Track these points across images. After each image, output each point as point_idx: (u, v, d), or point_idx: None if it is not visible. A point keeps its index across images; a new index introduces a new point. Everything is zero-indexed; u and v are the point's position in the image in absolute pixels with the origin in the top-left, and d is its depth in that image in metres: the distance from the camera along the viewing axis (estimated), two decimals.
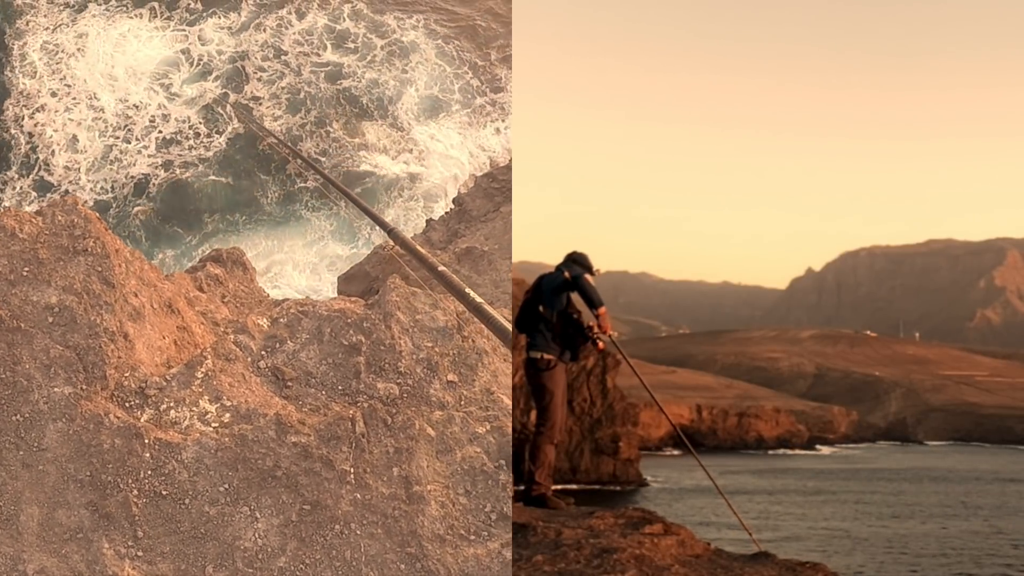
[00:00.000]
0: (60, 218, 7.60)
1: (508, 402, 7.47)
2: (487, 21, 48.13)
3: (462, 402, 7.48)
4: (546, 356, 10.03)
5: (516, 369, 12.38)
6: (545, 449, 10.00)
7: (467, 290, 6.15)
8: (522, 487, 9.87)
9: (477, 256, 12.10)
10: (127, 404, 7.25)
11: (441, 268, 6.59)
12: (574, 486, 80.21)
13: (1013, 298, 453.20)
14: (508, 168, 16.43)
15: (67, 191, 35.76)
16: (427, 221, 17.58)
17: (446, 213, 16.55)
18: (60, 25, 41.78)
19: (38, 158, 37.19)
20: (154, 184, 37.44)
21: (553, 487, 10.07)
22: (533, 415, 11.44)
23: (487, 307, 5.90)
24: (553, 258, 10.47)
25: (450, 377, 7.53)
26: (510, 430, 7.24)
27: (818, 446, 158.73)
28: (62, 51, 40.85)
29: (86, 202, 35.88)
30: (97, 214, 7.84)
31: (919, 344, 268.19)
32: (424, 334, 7.66)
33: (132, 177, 37.46)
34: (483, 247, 12.30)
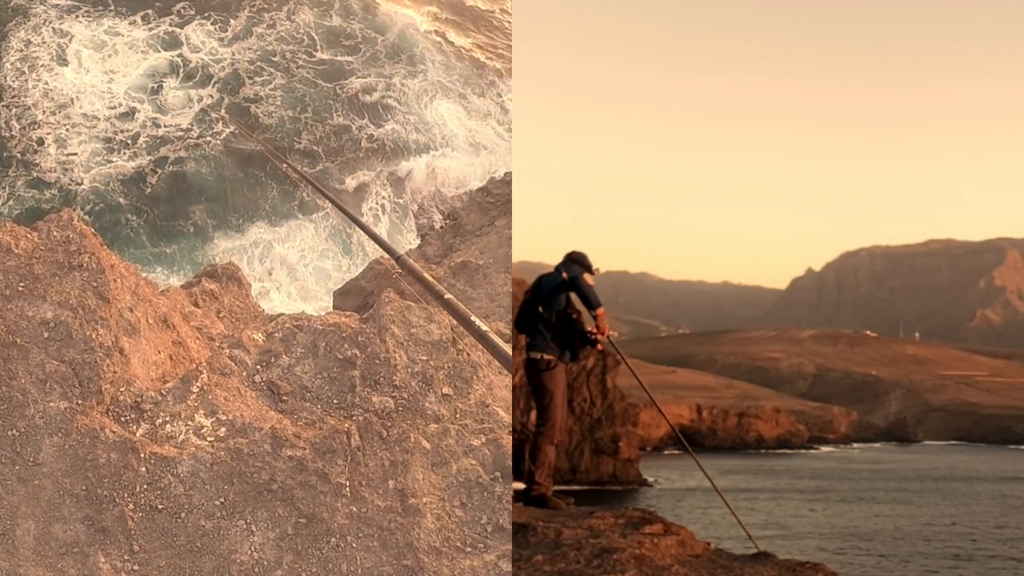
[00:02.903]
0: (55, 234, 7.62)
1: (504, 414, 7.49)
2: (487, 26, 48.53)
3: (457, 415, 7.51)
4: (546, 356, 10.05)
5: (516, 369, 12.39)
6: (545, 449, 10.02)
7: (472, 317, 6.17)
8: (522, 487, 9.90)
9: (472, 270, 12.14)
10: (123, 419, 7.27)
11: (448, 296, 6.59)
12: (576, 487, 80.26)
13: (1013, 298, 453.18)
14: (503, 182, 16.55)
15: (60, 187, 35.88)
16: (422, 236, 17.72)
17: (441, 227, 16.69)
18: (51, 27, 41.92)
19: (30, 159, 37.30)
20: (148, 184, 37.61)
21: (553, 487, 10.10)
22: (533, 415, 11.46)
23: (492, 335, 5.92)
24: (553, 258, 10.48)
25: (445, 390, 7.55)
26: (505, 442, 7.26)
27: (818, 446, 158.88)
28: (53, 53, 40.98)
29: (82, 201, 36.12)
30: (92, 229, 7.86)
31: (919, 344, 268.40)
32: (419, 347, 7.68)
33: (125, 177, 37.64)
34: (478, 261, 12.35)
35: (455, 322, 7.64)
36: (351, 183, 40.03)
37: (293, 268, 36.47)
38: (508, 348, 5.98)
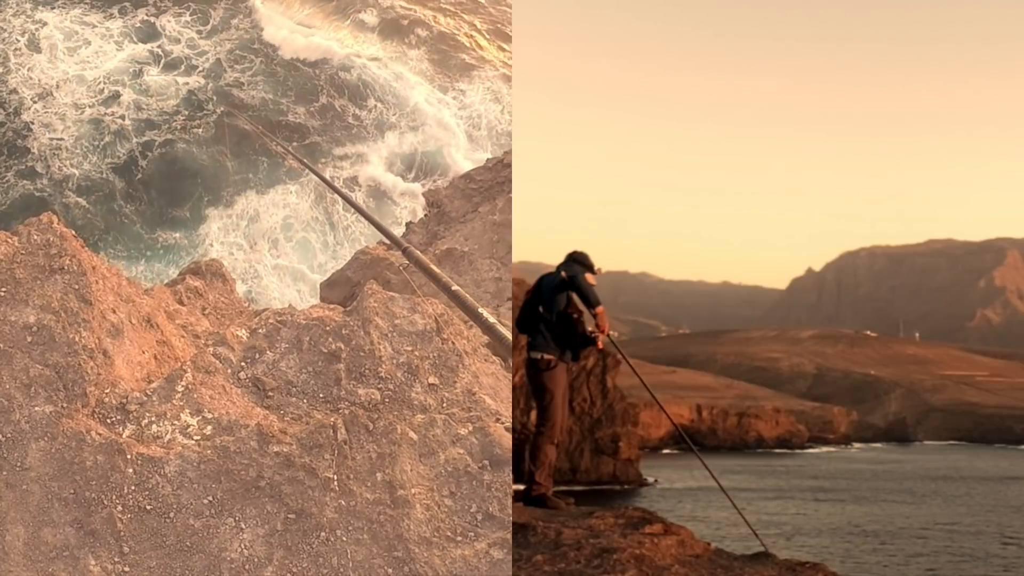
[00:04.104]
0: (36, 237, 7.61)
1: (491, 402, 7.48)
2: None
3: (444, 404, 7.49)
4: (546, 356, 10.06)
5: (516, 369, 12.38)
6: (546, 449, 10.02)
7: (480, 309, 6.17)
8: (522, 487, 9.89)
9: (457, 257, 12.18)
10: (108, 420, 7.24)
11: (455, 288, 6.59)
12: (578, 487, 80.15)
13: (1013, 298, 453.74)
14: (485, 168, 16.64)
15: (51, 176, 36.12)
16: (406, 224, 17.80)
17: (425, 215, 16.77)
18: (26, 16, 42.31)
19: (21, 144, 37.61)
20: (140, 168, 37.92)
21: (553, 488, 10.09)
22: (533, 415, 11.46)
23: (499, 327, 5.92)
24: (554, 258, 10.51)
25: (431, 380, 7.54)
26: (492, 430, 7.25)
27: (818, 446, 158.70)
28: (28, 41, 41.34)
29: (78, 189, 36.32)
30: (73, 232, 7.85)
31: (919, 344, 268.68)
32: (403, 338, 7.67)
33: (117, 163, 37.97)
34: (463, 248, 12.39)
35: (438, 310, 7.65)
36: (339, 152, 40.51)
37: (278, 241, 36.81)
38: (510, 336, 5.97)
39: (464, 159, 38.80)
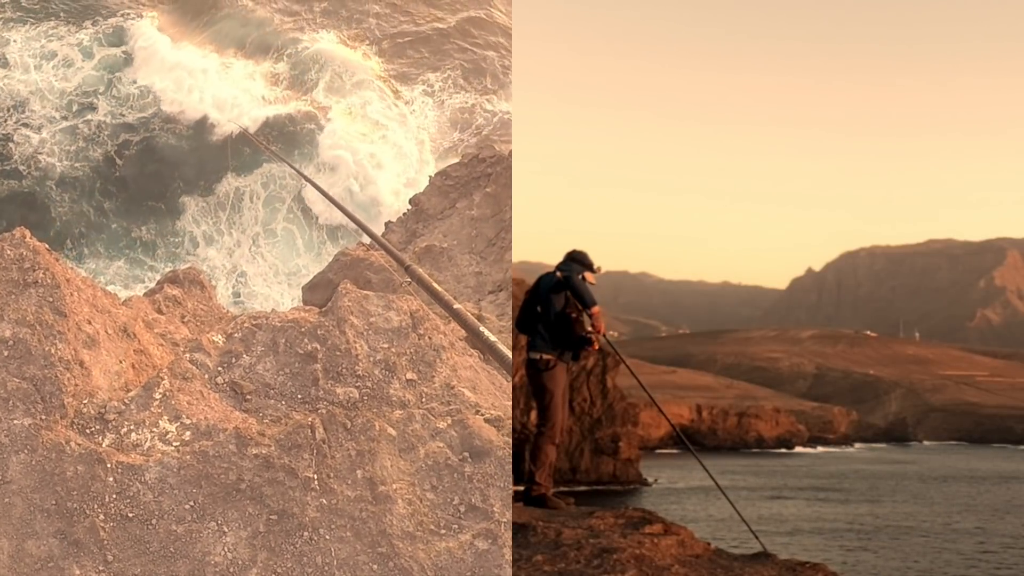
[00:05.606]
0: (9, 252, 7.64)
1: (469, 394, 7.51)
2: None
3: (423, 399, 7.51)
4: (545, 356, 10.07)
5: (516, 369, 12.41)
6: (546, 449, 10.02)
7: (481, 328, 6.17)
8: (522, 487, 9.89)
9: (437, 254, 12.28)
10: (87, 430, 7.25)
11: (457, 306, 6.60)
12: (578, 487, 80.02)
13: (1013, 298, 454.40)
14: (461, 164, 16.76)
15: (34, 177, 36.47)
16: (386, 224, 17.85)
17: (403, 215, 16.88)
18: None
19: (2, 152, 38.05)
20: (117, 168, 38.25)
21: (554, 488, 10.09)
22: (533, 415, 11.46)
23: (500, 345, 5.93)
24: (554, 258, 10.51)
25: (409, 376, 7.55)
26: (472, 422, 7.27)
27: (818, 446, 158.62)
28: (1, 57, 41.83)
29: (60, 183, 36.62)
30: (46, 245, 7.88)
31: (919, 344, 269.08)
32: (379, 336, 7.69)
33: (96, 163, 38.34)
34: (442, 244, 12.50)
35: (412, 306, 7.68)
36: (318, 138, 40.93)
37: (258, 236, 36.96)
38: (510, 355, 5.98)
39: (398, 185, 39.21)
